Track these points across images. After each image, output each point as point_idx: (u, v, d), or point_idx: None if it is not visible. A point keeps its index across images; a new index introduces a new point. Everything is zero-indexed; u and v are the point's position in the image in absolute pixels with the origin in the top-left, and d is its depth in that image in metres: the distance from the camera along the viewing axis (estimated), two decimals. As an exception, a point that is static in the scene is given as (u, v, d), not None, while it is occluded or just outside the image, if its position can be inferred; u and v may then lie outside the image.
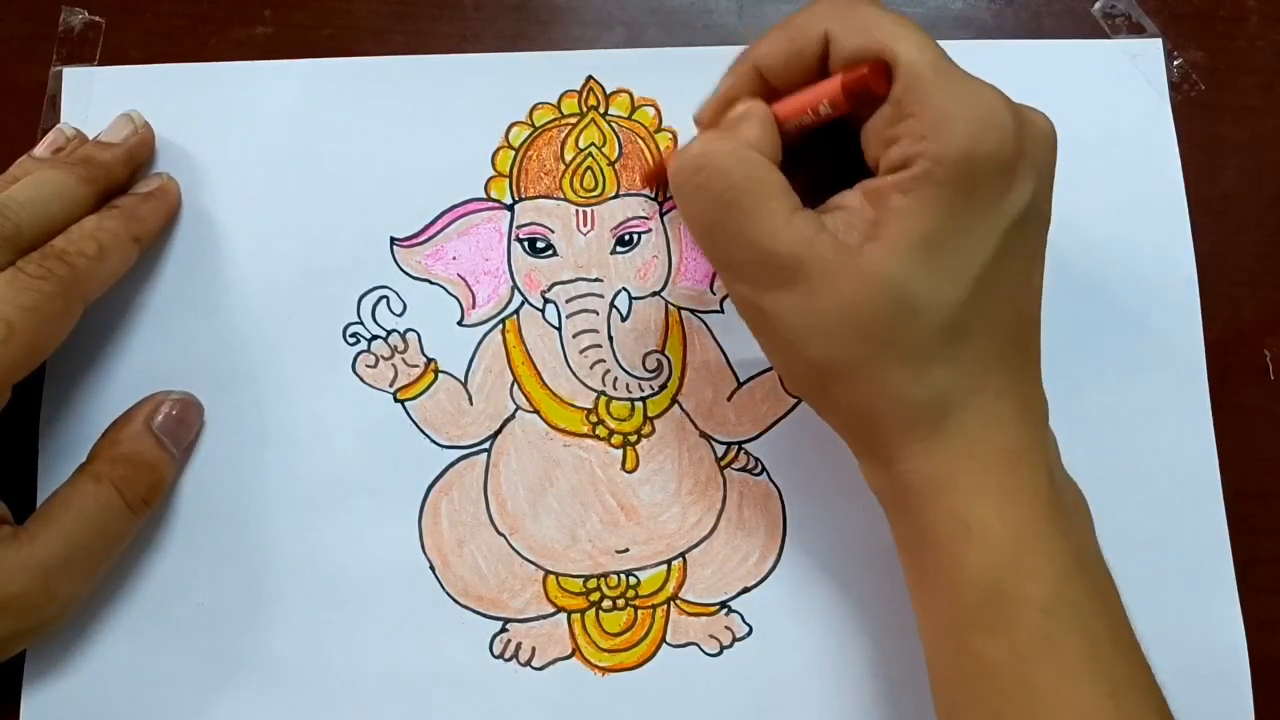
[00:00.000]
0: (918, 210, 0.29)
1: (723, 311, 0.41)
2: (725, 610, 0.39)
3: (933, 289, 0.30)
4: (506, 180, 0.41)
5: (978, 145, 0.29)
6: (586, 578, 0.39)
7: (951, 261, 0.30)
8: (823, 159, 0.33)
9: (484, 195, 0.41)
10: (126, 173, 0.39)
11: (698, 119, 0.35)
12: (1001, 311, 0.31)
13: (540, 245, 0.41)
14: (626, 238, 0.41)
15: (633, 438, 0.40)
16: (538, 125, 0.42)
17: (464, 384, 0.40)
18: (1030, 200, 0.30)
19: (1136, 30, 0.43)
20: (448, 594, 0.39)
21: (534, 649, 0.39)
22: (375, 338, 0.40)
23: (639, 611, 0.39)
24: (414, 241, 0.41)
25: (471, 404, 0.40)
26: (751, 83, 0.33)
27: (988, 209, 0.30)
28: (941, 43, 0.42)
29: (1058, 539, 0.31)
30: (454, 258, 0.41)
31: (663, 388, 0.40)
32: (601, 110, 0.42)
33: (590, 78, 0.42)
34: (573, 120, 0.42)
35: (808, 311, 0.31)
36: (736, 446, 0.40)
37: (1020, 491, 0.31)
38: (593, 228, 0.41)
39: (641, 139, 0.42)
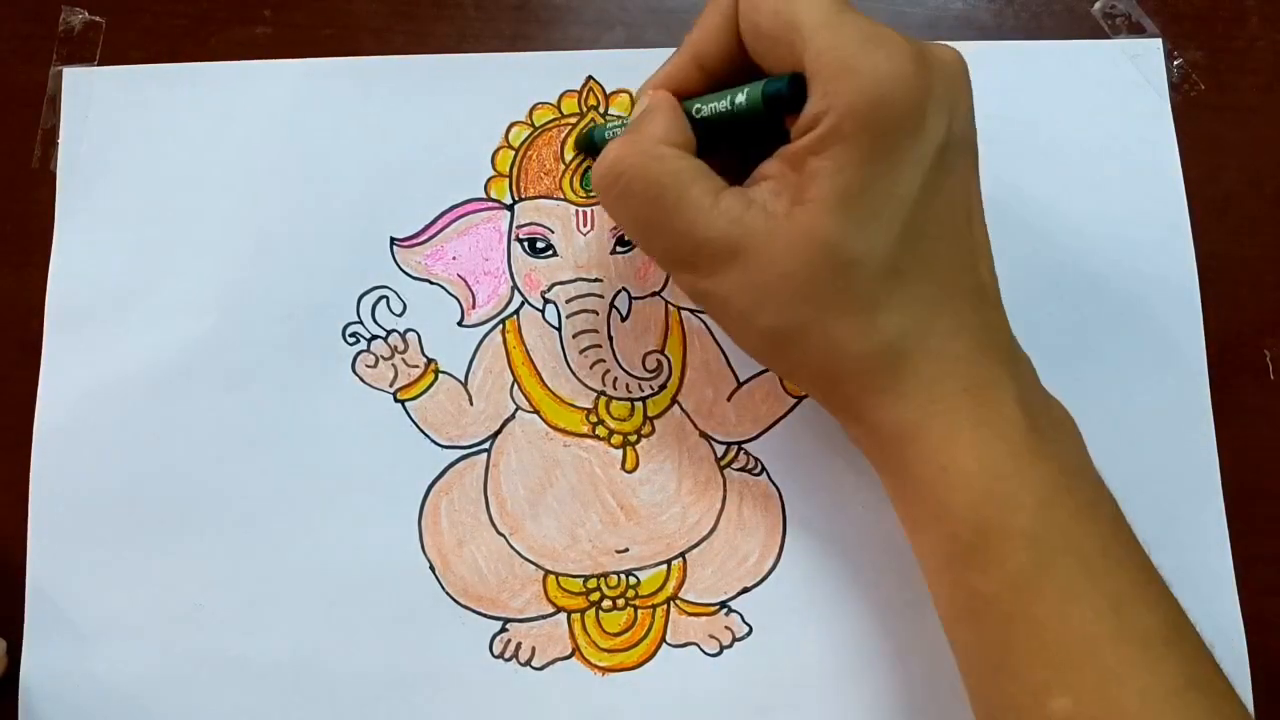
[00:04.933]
0: (833, 168, 0.30)
1: (723, 311, 0.41)
2: (725, 610, 0.39)
3: (863, 241, 0.30)
4: (506, 180, 0.41)
5: (879, 92, 0.29)
6: (586, 578, 0.39)
7: (876, 210, 0.30)
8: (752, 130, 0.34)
9: (484, 195, 0.41)
10: None
11: (640, 95, 0.35)
12: (940, 248, 0.31)
13: (540, 245, 0.41)
14: (626, 238, 0.41)
15: (633, 438, 0.40)
16: (538, 125, 0.42)
17: (464, 384, 0.40)
18: (946, 134, 0.30)
19: (1136, 30, 0.43)
20: (448, 594, 0.39)
21: (534, 649, 0.39)
22: (375, 338, 0.40)
23: (639, 611, 0.39)
24: (414, 241, 0.41)
25: (471, 404, 0.40)
26: (685, 70, 0.34)
27: (902, 152, 0.30)
28: (942, 43, 0.43)
29: (1037, 465, 0.31)
30: (454, 258, 0.41)
31: (663, 388, 0.40)
32: (601, 110, 0.42)
33: (590, 78, 0.42)
34: (573, 120, 0.42)
35: (749, 286, 0.31)
36: (736, 446, 0.40)
37: (989, 426, 0.31)
38: (592, 228, 0.41)
39: (641, 139, 0.42)
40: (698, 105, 0.33)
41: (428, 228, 0.41)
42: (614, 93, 0.42)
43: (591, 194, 0.41)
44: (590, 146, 0.40)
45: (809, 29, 0.30)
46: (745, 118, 0.32)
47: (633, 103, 0.42)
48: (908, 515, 0.34)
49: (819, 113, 0.30)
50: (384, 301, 0.41)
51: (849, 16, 0.30)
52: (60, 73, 0.42)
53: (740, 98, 0.32)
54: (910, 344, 0.31)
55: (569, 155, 0.42)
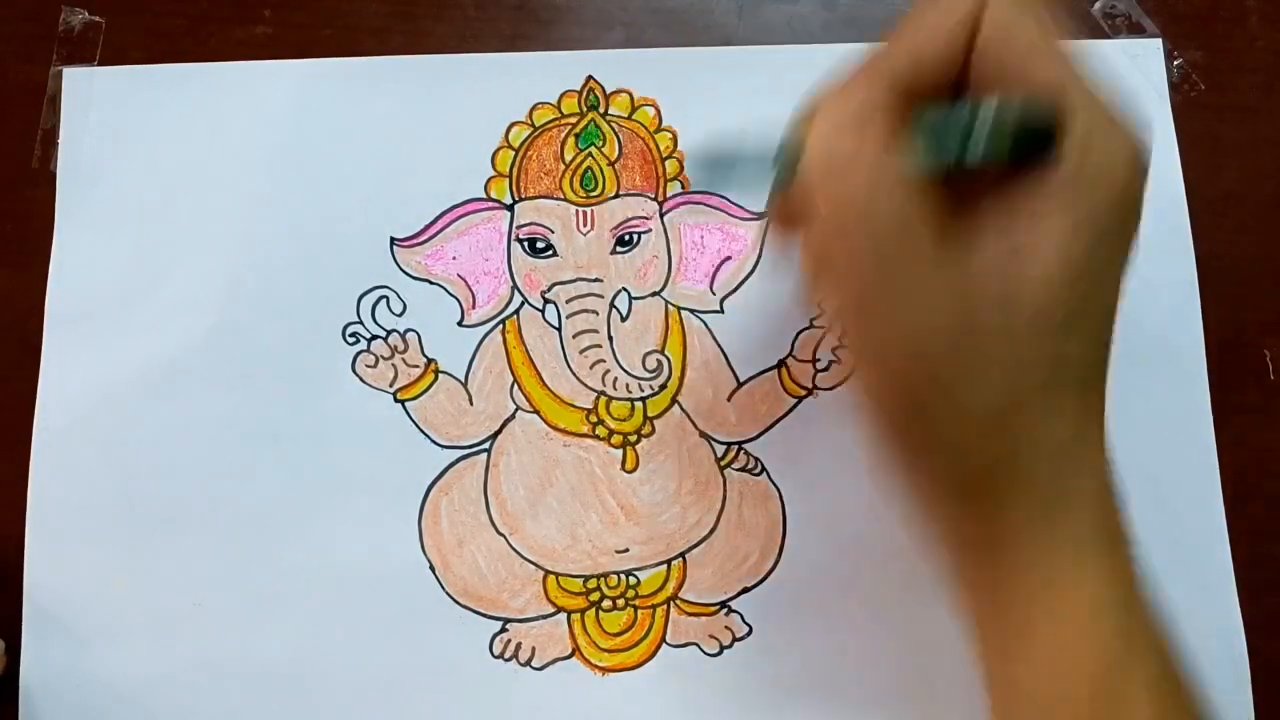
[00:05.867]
0: (1072, 238, 0.27)
1: (722, 311, 0.41)
2: (725, 610, 0.39)
3: (1084, 339, 0.28)
4: (506, 180, 0.41)
5: (1130, 174, 0.27)
6: (586, 578, 0.39)
7: (1100, 308, 0.28)
8: None
9: (484, 195, 0.41)
10: None
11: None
12: (1106, 359, 0.30)
13: (540, 245, 0.41)
14: (626, 238, 0.41)
15: (633, 438, 0.40)
16: (538, 125, 0.42)
17: (464, 384, 0.40)
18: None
19: (1136, 30, 0.43)
20: (448, 594, 0.39)
21: (534, 649, 0.39)
22: (375, 338, 0.40)
23: (639, 611, 0.39)
24: (414, 241, 0.41)
25: (471, 404, 0.40)
26: (905, 72, 0.28)
27: (1125, 239, 0.28)
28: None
29: (1156, 630, 0.29)
30: (454, 258, 0.41)
31: (663, 388, 0.40)
32: (601, 110, 0.42)
33: (590, 78, 0.42)
34: (573, 120, 0.42)
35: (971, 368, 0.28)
36: (736, 446, 0.40)
37: (1128, 581, 0.29)
38: (592, 228, 0.41)
39: (641, 139, 0.42)
40: (918, 112, 0.28)
41: (428, 228, 0.41)
42: (614, 93, 0.42)
43: (592, 194, 0.41)
44: (718, 168, 0.31)
45: (1072, 79, 0.27)
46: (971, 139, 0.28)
47: (632, 104, 0.42)
48: (1007, 673, 0.30)
49: (1073, 171, 0.27)
50: (384, 301, 0.41)
51: (1098, 79, 0.28)
52: (60, 73, 0.42)
53: (983, 124, 0.27)
54: (1084, 456, 0.29)
55: (569, 154, 0.42)
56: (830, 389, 0.40)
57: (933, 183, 0.27)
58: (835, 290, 0.28)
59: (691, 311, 0.41)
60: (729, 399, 0.40)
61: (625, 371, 0.40)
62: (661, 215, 0.41)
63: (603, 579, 0.39)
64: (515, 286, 0.41)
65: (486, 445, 0.40)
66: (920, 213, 0.27)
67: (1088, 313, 0.28)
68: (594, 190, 0.41)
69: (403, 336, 0.40)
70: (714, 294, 0.41)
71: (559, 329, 0.41)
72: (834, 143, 0.27)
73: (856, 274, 0.27)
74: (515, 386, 0.40)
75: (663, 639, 0.39)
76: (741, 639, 0.39)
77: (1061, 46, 0.28)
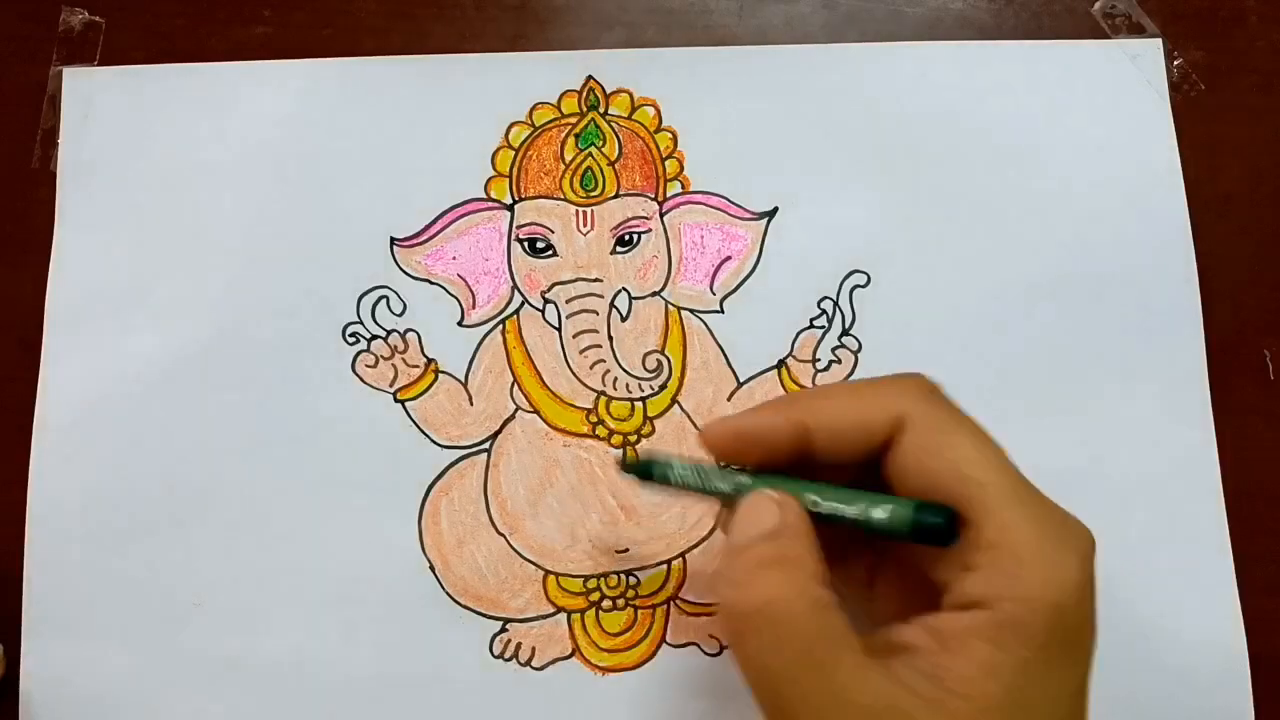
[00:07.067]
0: (1010, 667, 0.26)
1: (723, 311, 0.41)
2: (725, 610, 0.39)
3: None
4: (506, 180, 0.41)
5: (1070, 593, 0.26)
6: (586, 578, 0.39)
7: None
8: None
9: (484, 195, 0.41)
10: None
11: (706, 432, 0.31)
12: None
13: (540, 245, 0.41)
14: (626, 238, 0.41)
15: (633, 438, 0.40)
16: (538, 125, 0.42)
17: (464, 384, 0.40)
18: (1095, 634, 0.27)
19: (1136, 30, 0.43)
20: (448, 594, 0.39)
21: (534, 649, 0.39)
22: (375, 338, 0.40)
23: (639, 611, 0.39)
24: (414, 241, 0.41)
25: (471, 404, 0.40)
26: (791, 437, 0.30)
27: (1074, 662, 0.27)
28: (941, 43, 0.43)
29: None
30: (454, 258, 0.41)
31: (663, 388, 0.40)
32: (601, 110, 0.42)
33: (590, 78, 0.42)
34: (573, 120, 0.42)
35: None
36: (736, 446, 0.40)
37: None
38: (592, 228, 0.41)
39: (641, 139, 0.42)
40: (813, 498, 0.29)
41: (428, 228, 0.41)
42: (614, 93, 0.42)
43: (592, 194, 0.41)
44: (644, 475, 0.33)
45: (995, 499, 0.27)
46: (868, 529, 0.29)
47: (632, 104, 0.42)
48: None
49: (994, 596, 0.26)
50: (384, 301, 0.41)
51: (1033, 494, 0.28)
52: (60, 73, 0.42)
53: (879, 514, 0.28)
54: None
55: (569, 154, 0.41)
56: (830, 389, 0.40)
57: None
58: (752, 684, 0.29)
59: (691, 311, 0.41)
60: (729, 399, 0.40)
61: (625, 371, 0.40)
62: (661, 215, 0.41)
63: (603, 579, 0.39)
64: (515, 286, 0.41)
65: (486, 445, 0.40)
66: (845, 628, 0.27)
67: None
68: (594, 190, 0.41)
69: (403, 336, 0.40)
70: (714, 294, 0.41)
71: (559, 329, 0.41)
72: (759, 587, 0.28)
73: (774, 684, 0.28)
74: (515, 386, 0.40)
75: (663, 639, 0.39)
76: (741, 639, 0.39)
77: (986, 463, 0.28)
